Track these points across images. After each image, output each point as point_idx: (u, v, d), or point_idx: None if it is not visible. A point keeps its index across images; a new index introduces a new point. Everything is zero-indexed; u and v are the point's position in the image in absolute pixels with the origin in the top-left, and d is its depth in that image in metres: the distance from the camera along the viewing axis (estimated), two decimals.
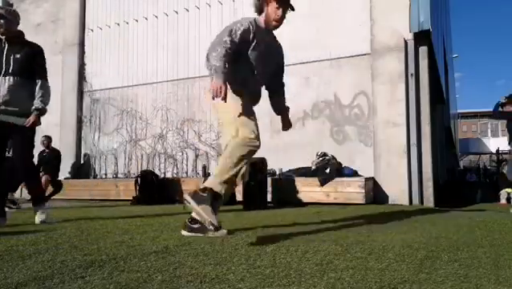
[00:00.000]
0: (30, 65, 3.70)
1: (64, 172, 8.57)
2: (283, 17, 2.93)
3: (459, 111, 35.63)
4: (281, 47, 3.18)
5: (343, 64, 6.96)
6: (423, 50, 6.63)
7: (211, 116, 7.76)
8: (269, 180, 6.17)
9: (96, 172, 9.19)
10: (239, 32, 2.81)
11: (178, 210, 5.19)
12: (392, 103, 6.45)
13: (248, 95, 2.90)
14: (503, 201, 7.43)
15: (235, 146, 2.73)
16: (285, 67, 3.30)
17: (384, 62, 6.55)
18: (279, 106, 3.25)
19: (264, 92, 3.20)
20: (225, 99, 2.67)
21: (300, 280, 1.65)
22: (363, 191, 5.81)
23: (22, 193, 9.04)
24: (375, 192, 6.24)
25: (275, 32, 3.08)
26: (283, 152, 7.01)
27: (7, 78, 3.60)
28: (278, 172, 6.78)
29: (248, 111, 2.83)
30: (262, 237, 2.72)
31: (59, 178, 8.20)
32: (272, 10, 2.90)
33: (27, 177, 3.93)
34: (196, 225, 2.71)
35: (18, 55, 3.65)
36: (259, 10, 2.98)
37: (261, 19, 2.97)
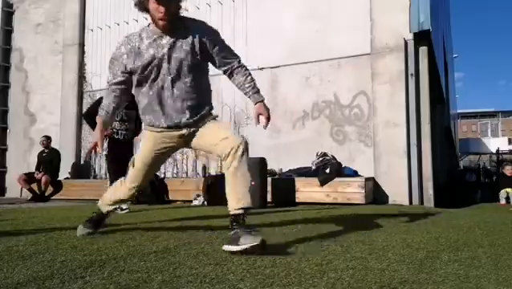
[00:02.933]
0: None
1: (64, 172, 8.56)
2: (168, 12, 2.40)
3: (459, 111, 35.60)
4: (196, 29, 2.51)
5: (343, 64, 6.96)
6: (423, 50, 6.63)
7: None
8: (269, 180, 6.16)
9: (96, 172, 9.19)
10: (112, 73, 2.64)
11: (178, 210, 5.19)
12: (392, 103, 6.45)
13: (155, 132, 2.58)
14: (503, 201, 7.43)
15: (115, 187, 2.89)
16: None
17: (383, 62, 6.55)
18: (243, 89, 2.58)
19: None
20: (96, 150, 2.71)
21: (300, 280, 1.65)
22: (363, 191, 5.80)
23: (21, 193, 9.04)
24: (375, 192, 6.24)
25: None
26: (283, 152, 7.01)
27: None
28: (278, 172, 6.78)
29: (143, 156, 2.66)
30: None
31: (59, 178, 8.21)
32: (153, 8, 2.43)
33: None
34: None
35: None
36: (142, 9, 2.53)
37: (151, 23, 2.56)
